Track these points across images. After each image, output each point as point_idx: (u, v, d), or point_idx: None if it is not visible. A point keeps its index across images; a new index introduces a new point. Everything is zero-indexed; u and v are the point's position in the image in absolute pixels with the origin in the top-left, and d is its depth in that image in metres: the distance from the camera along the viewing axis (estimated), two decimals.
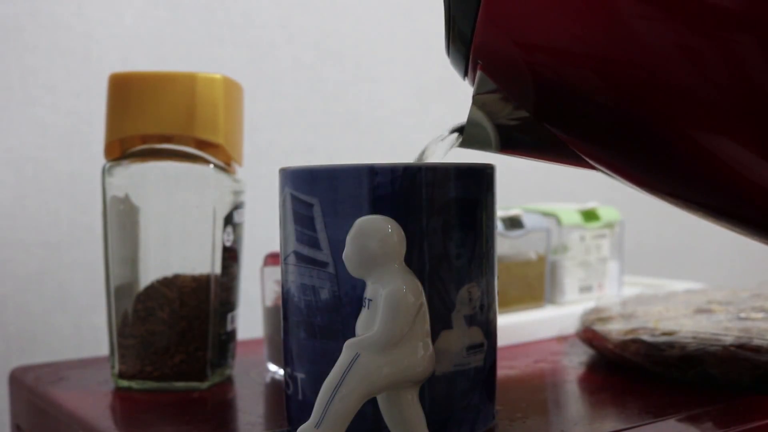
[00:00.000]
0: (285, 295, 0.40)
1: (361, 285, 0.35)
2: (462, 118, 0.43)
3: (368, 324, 0.34)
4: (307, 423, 0.32)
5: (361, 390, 0.32)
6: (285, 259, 0.39)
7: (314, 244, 0.37)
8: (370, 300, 0.34)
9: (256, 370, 0.55)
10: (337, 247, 0.37)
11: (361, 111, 0.85)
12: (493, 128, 0.42)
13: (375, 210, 0.36)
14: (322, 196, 0.37)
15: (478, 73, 0.39)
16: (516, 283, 0.65)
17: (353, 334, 0.35)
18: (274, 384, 0.51)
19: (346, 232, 0.34)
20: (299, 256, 0.38)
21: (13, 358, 0.67)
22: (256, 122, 0.77)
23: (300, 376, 0.39)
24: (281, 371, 0.52)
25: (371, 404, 0.34)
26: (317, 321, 0.38)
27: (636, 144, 0.38)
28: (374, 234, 0.33)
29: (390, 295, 0.32)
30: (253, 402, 0.49)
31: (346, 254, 0.34)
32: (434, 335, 0.35)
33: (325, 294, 0.37)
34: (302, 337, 0.38)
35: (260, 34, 0.79)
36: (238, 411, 0.48)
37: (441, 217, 0.37)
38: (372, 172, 0.36)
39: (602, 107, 0.37)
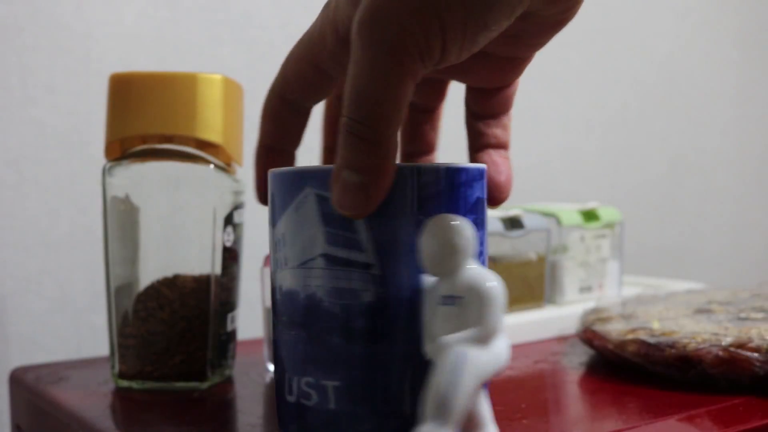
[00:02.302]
0: (304, 301, 0.37)
1: (407, 286, 0.35)
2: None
3: (455, 321, 0.34)
4: (430, 426, 0.32)
5: (475, 386, 0.33)
6: (305, 263, 0.37)
7: (353, 245, 0.36)
8: (457, 297, 0.34)
9: (256, 370, 0.55)
10: (382, 248, 0.36)
11: None
12: None
13: (421, 209, 0.36)
14: None
15: None
16: (516, 284, 0.65)
17: (400, 337, 0.35)
18: (274, 384, 0.51)
19: (391, 233, 0.35)
20: (331, 259, 0.36)
21: (13, 359, 0.67)
22: (256, 122, 0.76)
23: (332, 384, 0.37)
24: None
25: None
26: (358, 325, 0.36)
27: None
28: (458, 231, 0.34)
29: (491, 290, 0.33)
30: (253, 402, 0.49)
31: (430, 253, 0.34)
32: None
33: (368, 297, 0.36)
34: (336, 342, 0.36)
35: (260, 34, 0.79)
36: (238, 411, 0.48)
37: (472, 216, 0.38)
38: (418, 172, 0.36)
39: None
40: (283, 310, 0.38)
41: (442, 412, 0.32)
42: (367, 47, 0.31)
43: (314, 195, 0.37)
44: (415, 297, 0.36)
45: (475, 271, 0.34)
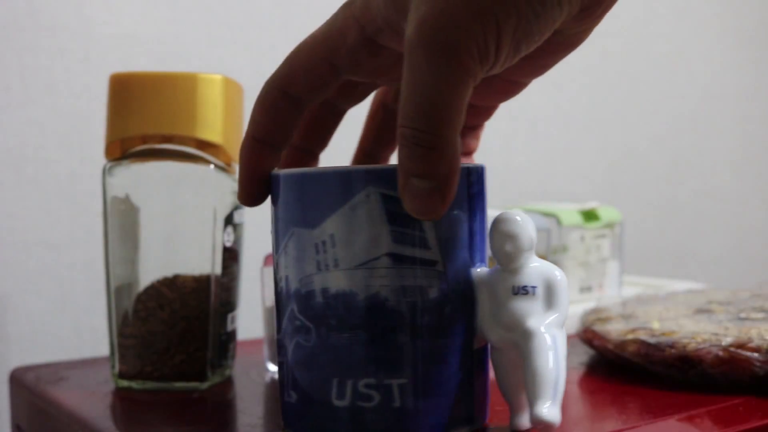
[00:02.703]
0: (364, 302, 0.37)
1: (463, 280, 0.38)
2: None
3: (529, 308, 0.37)
4: (546, 407, 0.35)
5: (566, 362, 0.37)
6: (366, 263, 0.37)
7: (421, 243, 0.37)
8: (532, 287, 0.37)
9: (256, 370, 0.55)
10: (445, 244, 0.37)
11: (361, 111, 0.85)
12: None
13: (471, 207, 0.38)
14: None
15: None
16: None
17: (459, 329, 0.38)
18: (274, 384, 0.51)
19: (451, 230, 0.37)
20: (398, 258, 0.37)
21: (13, 359, 0.67)
22: None
23: (397, 382, 0.37)
24: None
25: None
26: (424, 321, 0.37)
27: None
28: (530, 225, 0.37)
29: (563, 279, 0.38)
30: (253, 402, 0.49)
31: (512, 248, 0.37)
32: None
33: (433, 293, 0.37)
34: (402, 340, 0.37)
35: (260, 35, 0.79)
36: (238, 411, 0.48)
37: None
38: (468, 171, 0.38)
39: None
40: (331, 313, 0.37)
41: (555, 391, 0.36)
42: (431, 52, 0.32)
43: (378, 194, 0.37)
44: (469, 290, 0.38)
45: (544, 262, 0.38)
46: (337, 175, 0.37)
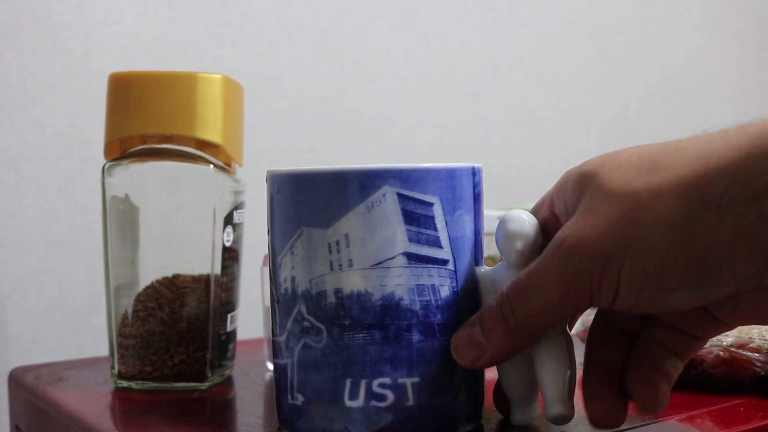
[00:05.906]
0: (379, 301, 0.37)
1: (470, 278, 0.38)
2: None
3: None
4: (562, 401, 0.36)
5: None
6: (381, 262, 0.37)
7: (435, 242, 0.37)
8: None
9: (256, 371, 0.55)
10: (456, 243, 0.38)
11: (361, 111, 0.85)
12: None
13: (476, 207, 0.39)
14: (443, 195, 0.38)
15: None
16: None
17: None
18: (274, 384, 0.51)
19: (460, 229, 0.38)
20: (414, 257, 0.37)
21: (13, 359, 0.67)
22: (256, 122, 0.76)
23: (410, 381, 0.37)
24: None
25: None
26: (437, 320, 0.38)
27: None
28: (536, 224, 0.38)
29: None
30: (253, 402, 0.49)
31: (523, 247, 0.37)
32: None
33: (445, 291, 0.38)
34: (416, 339, 0.37)
35: (260, 34, 0.79)
36: (238, 411, 0.48)
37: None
38: (473, 172, 0.39)
39: None
40: (344, 313, 0.37)
41: (570, 385, 0.37)
42: (555, 264, 0.34)
43: (395, 194, 0.37)
44: (475, 288, 0.39)
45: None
46: (353, 174, 0.37)
